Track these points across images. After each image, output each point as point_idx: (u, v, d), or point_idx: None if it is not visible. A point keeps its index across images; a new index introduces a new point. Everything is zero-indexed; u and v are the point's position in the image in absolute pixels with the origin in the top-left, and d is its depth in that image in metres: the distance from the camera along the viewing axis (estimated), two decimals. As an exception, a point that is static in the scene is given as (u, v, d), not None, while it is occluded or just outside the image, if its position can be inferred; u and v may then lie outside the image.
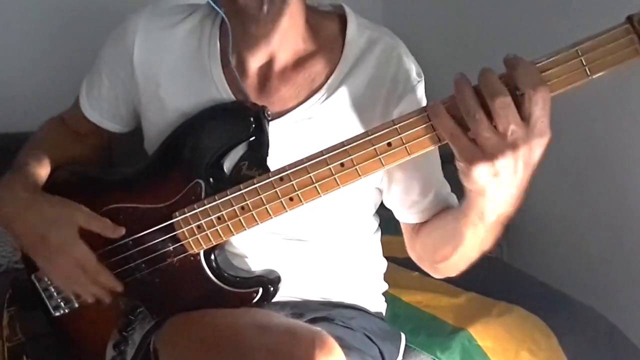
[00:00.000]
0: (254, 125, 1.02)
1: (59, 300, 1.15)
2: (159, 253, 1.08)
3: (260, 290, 1.07)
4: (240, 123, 1.03)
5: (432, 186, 1.12)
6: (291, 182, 0.96)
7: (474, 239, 0.97)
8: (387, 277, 1.31)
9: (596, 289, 1.91)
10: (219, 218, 1.02)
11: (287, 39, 1.08)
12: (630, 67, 0.80)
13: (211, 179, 1.04)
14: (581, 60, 0.80)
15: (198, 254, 1.07)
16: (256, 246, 1.12)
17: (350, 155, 0.92)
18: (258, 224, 1.00)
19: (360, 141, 0.91)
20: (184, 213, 1.04)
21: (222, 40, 1.12)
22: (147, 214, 1.07)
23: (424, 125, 0.87)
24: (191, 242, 1.05)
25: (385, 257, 1.31)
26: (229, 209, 1.00)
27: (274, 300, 1.09)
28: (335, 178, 0.93)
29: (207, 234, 1.03)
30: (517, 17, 2.12)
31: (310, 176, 0.94)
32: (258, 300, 1.07)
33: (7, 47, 1.95)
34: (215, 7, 1.10)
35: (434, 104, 0.86)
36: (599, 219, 1.98)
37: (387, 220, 1.24)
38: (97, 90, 1.20)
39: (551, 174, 1.92)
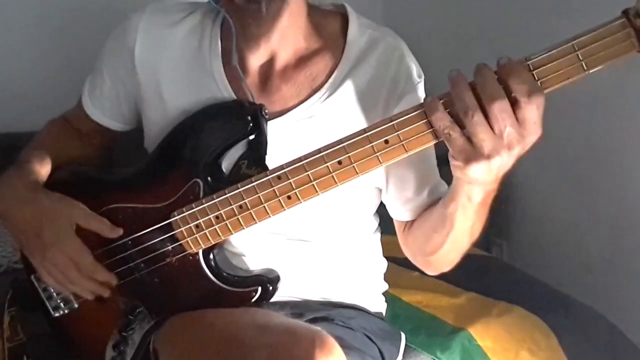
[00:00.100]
0: (251, 124, 1.02)
1: (59, 301, 1.15)
2: (158, 253, 1.08)
3: (259, 289, 1.07)
4: (237, 122, 1.03)
5: (427, 184, 1.12)
6: (289, 181, 0.96)
7: (465, 223, 0.99)
8: (387, 277, 1.31)
9: (596, 289, 1.91)
10: (217, 217, 1.02)
11: (287, 37, 1.08)
12: (630, 66, 0.80)
13: (209, 178, 1.04)
14: (577, 54, 0.80)
15: (197, 253, 1.07)
16: (255, 246, 1.12)
17: (347, 153, 0.92)
18: (256, 222, 1.00)
19: (358, 138, 0.91)
20: (182, 212, 1.04)
21: (223, 39, 1.12)
22: (145, 214, 1.07)
23: (421, 122, 0.87)
24: (190, 242, 1.05)
25: (385, 257, 1.31)
26: (227, 208, 1.00)
27: (273, 300, 1.10)
28: (332, 176, 0.94)
29: (205, 233, 1.03)
30: (516, 16, 2.12)
31: (307, 174, 0.94)
32: (257, 299, 1.07)
33: (7, 47, 1.95)
34: (216, 6, 1.10)
35: (431, 100, 0.86)
36: (599, 219, 1.98)
37: (387, 220, 1.24)
38: (99, 89, 1.21)
39: (551, 174, 1.93)
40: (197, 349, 1.00)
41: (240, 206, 1.00)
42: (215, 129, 1.05)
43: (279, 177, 0.97)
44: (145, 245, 1.08)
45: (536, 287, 1.70)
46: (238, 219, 1.00)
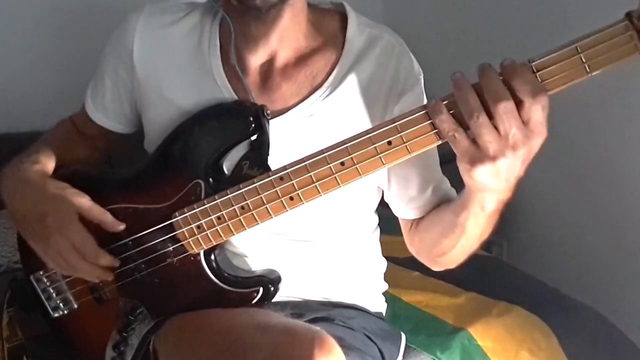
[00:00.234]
0: (253, 125, 1.02)
1: (58, 301, 1.15)
2: (159, 253, 1.07)
3: (261, 290, 1.07)
4: (239, 123, 1.03)
5: (430, 182, 1.12)
6: (291, 182, 0.96)
7: (476, 229, 0.99)
8: (387, 277, 1.31)
9: (596, 289, 1.91)
10: (219, 218, 1.01)
11: (287, 37, 1.08)
12: (630, 66, 0.80)
13: (211, 179, 1.04)
14: (580, 57, 0.80)
15: (198, 254, 1.06)
16: (256, 246, 1.12)
17: (350, 154, 0.91)
18: (258, 223, 1.00)
19: (361, 140, 0.91)
20: (184, 213, 1.04)
21: (222, 38, 1.12)
22: (146, 214, 1.07)
23: (424, 124, 0.87)
24: (191, 242, 1.05)
25: (385, 257, 1.31)
26: (229, 209, 1.00)
27: (274, 300, 1.09)
28: (335, 177, 0.93)
29: (207, 234, 1.03)
30: (516, 16, 2.12)
31: (310, 175, 0.94)
32: (258, 300, 1.07)
33: (7, 47, 1.95)
34: (215, 5, 1.10)
35: (435, 102, 0.86)
36: (599, 219, 1.98)
37: (386, 220, 1.24)
38: (101, 93, 1.21)
39: (551, 174, 1.93)
40: (197, 349, 0.99)
41: (243, 207, 0.99)
42: (217, 129, 1.05)
43: (281, 178, 0.96)
44: (146, 245, 1.08)
45: (536, 287, 1.70)
46: (240, 219, 1.00)
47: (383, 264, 1.30)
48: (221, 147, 1.03)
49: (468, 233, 1.00)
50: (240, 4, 1.01)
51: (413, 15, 2.56)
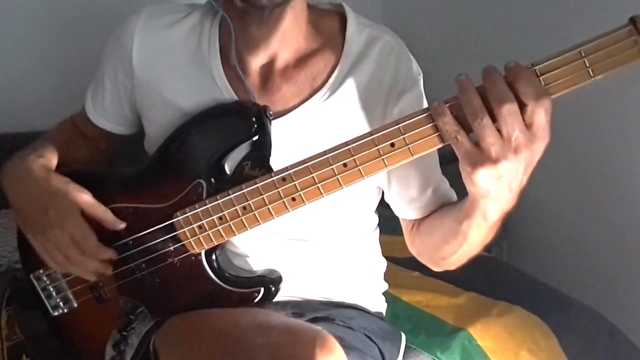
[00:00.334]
0: (255, 125, 1.02)
1: (58, 300, 1.15)
2: (160, 253, 1.08)
3: (262, 290, 1.07)
4: (241, 123, 1.03)
5: (430, 182, 1.12)
6: (294, 182, 0.96)
7: (478, 237, 0.99)
8: (387, 277, 1.32)
9: (596, 289, 1.92)
10: (220, 218, 1.01)
11: (288, 39, 1.08)
12: (630, 68, 0.80)
13: (212, 179, 1.04)
14: (584, 61, 0.80)
15: (199, 253, 1.06)
16: (257, 246, 1.12)
17: (353, 156, 0.91)
18: (260, 224, 1.00)
19: (363, 141, 0.91)
20: (185, 213, 1.03)
21: (222, 39, 1.12)
22: (148, 214, 1.07)
23: (428, 126, 0.87)
24: (192, 242, 1.05)
25: (385, 257, 1.31)
26: (231, 209, 1.00)
27: (274, 299, 1.09)
28: (338, 178, 0.93)
29: (208, 234, 1.03)
30: (516, 16, 2.12)
31: (312, 176, 0.94)
32: (259, 300, 1.07)
33: (7, 47, 1.95)
34: (215, 5, 1.10)
35: (438, 104, 0.85)
36: (599, 219, 1.98)
37: (386, 220, 1.24)
38: (100, 95, 1.20)
39: (551, 174, 1.92)
40: (198, 349, 0.99)
41: (244, 207, 0.99)
42: (219, 129, 1.05)
43: (283, 179, 0.96)
44: (147, 245, 1.08)
45: (536, 287, 1.70)
46: (242, 220, 1.00)
47: (383, 263, 1.30)
48: (223, 147, 1.03)
49: (470, 240, 1.00)
50: (245, 4, 1.01)
51: (413, 15, 2.56)
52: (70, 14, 1.99)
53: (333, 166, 0.93)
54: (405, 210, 1.15)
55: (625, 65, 0.79)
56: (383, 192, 1.18)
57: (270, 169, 1.00)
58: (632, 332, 1.59)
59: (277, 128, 1.05)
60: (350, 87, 1.08)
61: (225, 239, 1.03)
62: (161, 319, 1.10)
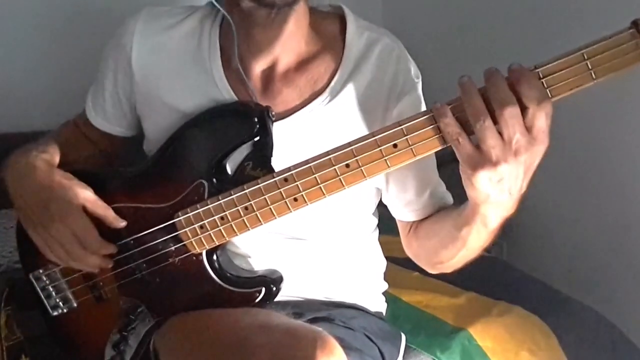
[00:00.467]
0: (258, 126, 1.01)
1: (57, 300, 1.15)
2: (161, 253, 1.08)
3: (263, 290, 1.07)
4: (244, 123, 1.02)
5: (428, 185, 1.12)
6: (296, 183, 0.96)
7: (477, 243, 1.00)
8: (387, 277, 1.32)
9: (596, 289, 1.92)
10: (222, 218, 1.01)
11: (290, 43, 1.08)
12: (630, 70, 0.81)
13: (214, 180, 1.04)
14: (587, 63, 0.80)
15: (200, 254, 1.06)
16: (257, 246, 1.12)
17: (355, 156, 0.91)
18: (262, 224, 1.00)
19: (366, 142, 0.91)
20: (187, 213, 1.03)
21: (222, 41, 1.11)
22: (149, 214, 1.07)
23: (430, 127, 0.87)
24: (194, 242, 1.05)
25: (385, 257, 1.31)
26: (233, 210, 1.00)
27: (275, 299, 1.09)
28: (340, 179, 0.93)
29: (210, 234, 1.03)
30: (515, 18, 2.12)
31: (315, 177, 0.94)
32: (260, 300, 1.08)
33: (7, 47, 1.94)
34: (218, 6, 1.09)
35: (441, 106, 0.86)
36: (599, 219, 1.98)
37: (386, 220, 1.24)
38: (101, 97, 1.20)
39: (551, 174, 1.92)
40: (198, 348, 1.00)
41: (246, 207, 0.99)
42: (222, 130, 1.04)
43: (285, 179, 0.96)
44: (148, 245, 1.08)
45: (536, 287, 1.70)
46: (243, 220, 1.00)
47: (383, 263, 1.30)
48: (226, 147, 1.03)
49: (469, 246, 1.00)
50: (255, 3, 1.00)
51: (412, 17, 2.56)
52: (70, 14, 1.99)
53: (335, 167, 0.93)
54: (403, 212, 1.15)
55: (628, 67, 0.80)
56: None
57: (271, 170, 1.00)
58: (632, 332, 1.59)
59: (278, 131, 1.05)
60: (350, 91, 1.08)
61: (227, 239, 1.03)
62: (161, 319, 1.10)
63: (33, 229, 1.08)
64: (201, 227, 1.03)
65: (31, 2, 1.95)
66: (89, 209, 1.06)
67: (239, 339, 0.95)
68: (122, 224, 1.08)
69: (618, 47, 0.79)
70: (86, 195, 1.06)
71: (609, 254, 1.96)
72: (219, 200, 1.01)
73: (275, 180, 0.97)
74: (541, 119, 0.80)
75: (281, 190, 0.97)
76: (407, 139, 0.88)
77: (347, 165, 0.92)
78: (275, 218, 0.99)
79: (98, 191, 1.09)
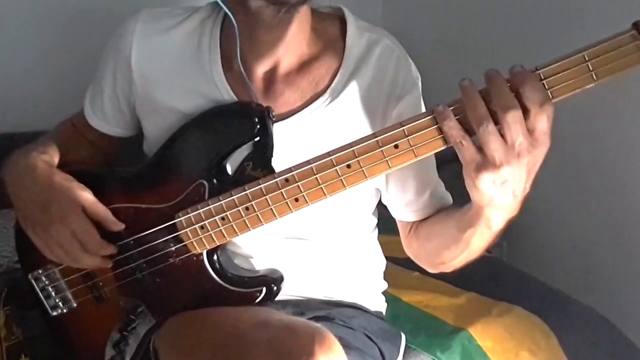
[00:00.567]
0: (258, 126, 1.01)
1: (57, 300, 1.15)
2: (161, 253, 1.08)
3: (264, 289, 1.08)
4: (244, 123, 1.02)
5: (428, 186, 1.12)
6: (297, 183, 0.96)
7: (480, 244, 1.00)
8: (387, 277, 1.32)
9: (596, 289, 1.92)
10: (223, 218, 1.01)
11: (293, 44, 1.08)
12: (634, 71, 0.81)
13: (215, 180, 1.04)
14: (588, 65, 0.80)
15: (201, 254, 1.07)
16: (257, 245, 1.12)
17: (357, 157, 0.91)
18: (262, 224, 1.00)
19: (367, 143, 0.91)
20: (187, 213, 1.03)
21: (222, 43, 1.11)
22: (149, 214, 1.07)
23: (432, 128, 0.87)
24: (194, 243, 1.05)
25: (385, 257, 1.31)
26: (233, 210, 1.00)
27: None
28: (341, 179, 0.93)
29: (210, 234, 1.03)
30: (516, 19, 2.12)
31: (316, 177, 0.94)
32: (261, 299, 1.08)
33: (7, 47, 1.94)
34: (222, 6, 1.09)
35: (443, 108, 0.86)
36: (599, 219, 1.98)
37: (386, 220, 1.24)
38: (99, 98, 1.20)
39: (552, 174, 1.92)
40: (198, 347, 0.99)
41: (247, 208, 0.99)
42: (222, 130, 1.04)
43: (287, 180, 0.96)
44: (148, 245, 1.08)
45: (536, 287, 1.69)
46: (244, 220, 1.00)
47: (382, 262, 1.30)
48: (226, 148, 1.03)
49: (472, 247, 1.01)
50: (264, 1, 0.99)
51: (412, 18, 2.55)
52: (70, 14, 1.98)
53: (337, 167, 0.93)
54: (403, 212, 1.16)
55: (628, 69, 0.80)
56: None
57: (272, 170, 1.00)
58: (632, 332, 1.59)
59: (280, 131, 1.05)
60: (351, 92, 1.08)
61: (227, 239, 1.03)
62: (161, 318, 1.11)
63: (32, 229, 1.08)
64: (202, 227, 1.03)
65: (31, 2, 1.95)
66: (88, 211, 1.06)
67: (237, 335, 0.95)
68: (121, 227, 1.08)
69: (619, 48, 0.79)
70: (85, 196, 1.06)
71: (609, 254, 1.96)
72: (220, 200, 1.01)
73: (276, 181, 0.97)
74: (543, 122, 0.80)
75: (282, 190, 0.97)
76: (408, 139, 0.88)
77: (349, 166, 0.92)
78: (277, 218, 0.99)
79: (98, 192, 1.09)
